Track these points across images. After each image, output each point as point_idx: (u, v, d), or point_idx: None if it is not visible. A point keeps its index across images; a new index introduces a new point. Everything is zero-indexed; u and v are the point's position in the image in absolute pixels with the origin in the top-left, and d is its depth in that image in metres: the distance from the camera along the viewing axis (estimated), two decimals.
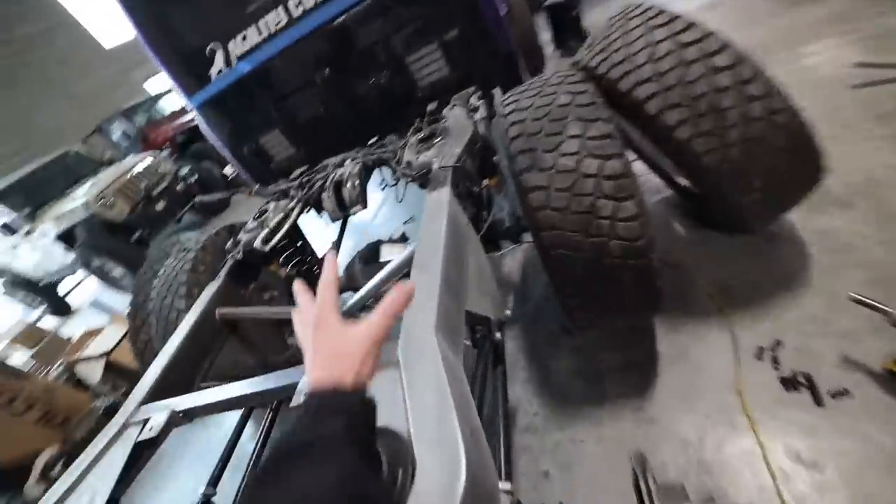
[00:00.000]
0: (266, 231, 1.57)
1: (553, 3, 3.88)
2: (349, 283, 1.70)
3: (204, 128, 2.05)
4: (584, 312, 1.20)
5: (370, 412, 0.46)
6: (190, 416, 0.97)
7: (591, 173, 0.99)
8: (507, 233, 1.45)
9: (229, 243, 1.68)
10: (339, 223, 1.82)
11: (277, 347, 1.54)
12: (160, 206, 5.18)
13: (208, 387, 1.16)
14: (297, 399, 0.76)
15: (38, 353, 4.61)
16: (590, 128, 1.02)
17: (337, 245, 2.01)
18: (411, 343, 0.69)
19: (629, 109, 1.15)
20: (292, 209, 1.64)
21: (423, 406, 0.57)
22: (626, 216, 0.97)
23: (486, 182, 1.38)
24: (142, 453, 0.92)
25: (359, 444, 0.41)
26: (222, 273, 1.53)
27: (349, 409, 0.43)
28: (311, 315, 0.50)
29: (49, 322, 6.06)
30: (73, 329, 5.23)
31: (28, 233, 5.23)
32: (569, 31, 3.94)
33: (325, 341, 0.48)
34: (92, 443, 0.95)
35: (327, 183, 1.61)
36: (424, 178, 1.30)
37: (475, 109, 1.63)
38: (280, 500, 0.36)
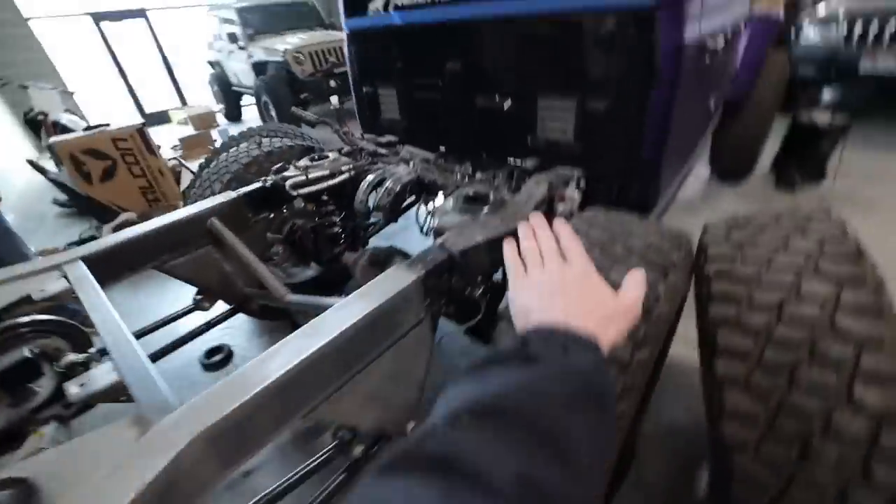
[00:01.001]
0: (301, 178, 1.53)
1: (808, 123, 3.03)
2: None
3: (345, 52, 2.04)
4: None
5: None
6: None
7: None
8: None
9: (277, 166, 1.68)
10: None
11: (230, 291, 1.54)
12: (333, 84, 5.63)
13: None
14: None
15: (187, 139, 5.53)
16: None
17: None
18: None
19: None
20: (336, 175, 1.56)
21: None
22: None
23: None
24: None
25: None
26: (243, 189, 1.54)
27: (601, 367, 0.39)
28: (577, 270, 0.50)
29: (219, 120, 7.22)
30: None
31: (241, 48, 6.15)
32: (805, 161, 3.08)
33: (595, 296, 0.47)
34: None
35: (373, 176, 1.48)
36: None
37: (562, 199, 1.32)
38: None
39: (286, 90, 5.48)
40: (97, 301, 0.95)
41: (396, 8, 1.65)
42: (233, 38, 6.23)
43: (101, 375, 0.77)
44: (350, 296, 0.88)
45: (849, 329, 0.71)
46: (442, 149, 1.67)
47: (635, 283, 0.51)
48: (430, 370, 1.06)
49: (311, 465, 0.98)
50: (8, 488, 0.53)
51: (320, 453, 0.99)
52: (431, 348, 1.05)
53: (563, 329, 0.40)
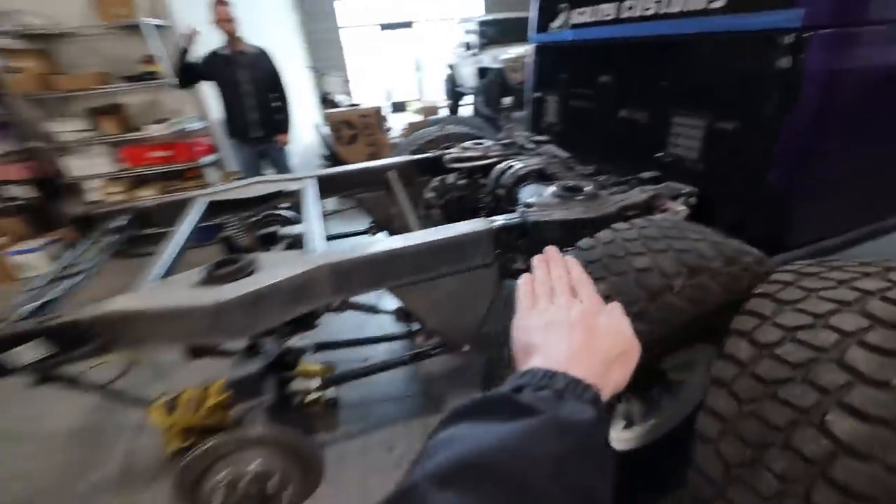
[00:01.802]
0: (457, 155, 1.97)
1: None
2: None
3: (526, 62, 2.40)
4: None
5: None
6: None
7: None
8: None
9: (445, 145, 2.17)
10: None
11: (389, 225, 2.09)
12: None
13: None
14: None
15: (412, 124, 6.79)
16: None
17: None
18: None
19: None
20: (485, 158, 1.94)
21: None
22: None
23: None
24: None
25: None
26: (415, 157, 2.07)
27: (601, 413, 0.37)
28: (585, 307, 0.48)
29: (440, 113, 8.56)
30: None
31: (473, 55, 7.16)
32: None
33: (603, 336, 0.45)
34: None
35: (509, 162, 1.80)
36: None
37: (663, 210, 1.39)
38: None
39: (497, 93, 6.19)
40: (313, 202, 1.57)
41: (573, 27, 1.91)
42: (468, 46, 7.34)
43: (296, 230, 1.36)
44: (444, 226, 1.25)
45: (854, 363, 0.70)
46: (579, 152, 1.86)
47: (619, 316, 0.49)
48: (490, 313, 1.34)
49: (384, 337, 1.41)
50: (241, 262, 1.09)
51: (395, 333, 1.42)
52: (495, 292, 1.33)
53: (561, 374, 0.39)
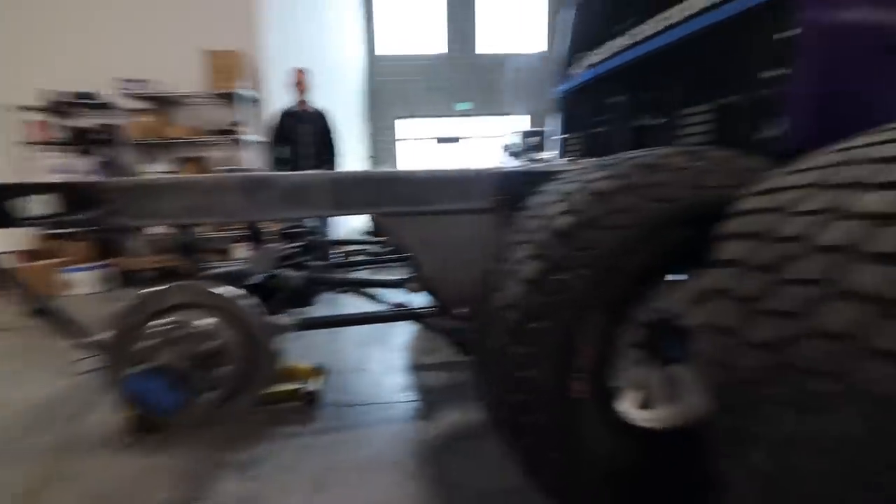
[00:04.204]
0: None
1: None
2: None
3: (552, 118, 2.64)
4: None
5: None
6: None
7: None
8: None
9: None
10: None
11: None
12: None
13: None
14: None
15: None
16: None
17: None
18: None
19: None
20: None
21: None
22: None
23: None
24: None
25: None
26: None
27: None
28: None
29: None
30: None
31: (512, 155, 7.93)
32: None
33: None
34: None
35: None
36: None
37: None
38: None
39: None
40: None
41: (589, 67, 2.14)
42: (511, 150, 8.24)
43: None
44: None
45: None
46: None
47: None
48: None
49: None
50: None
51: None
52: (490, 244, 1.29)
53: None
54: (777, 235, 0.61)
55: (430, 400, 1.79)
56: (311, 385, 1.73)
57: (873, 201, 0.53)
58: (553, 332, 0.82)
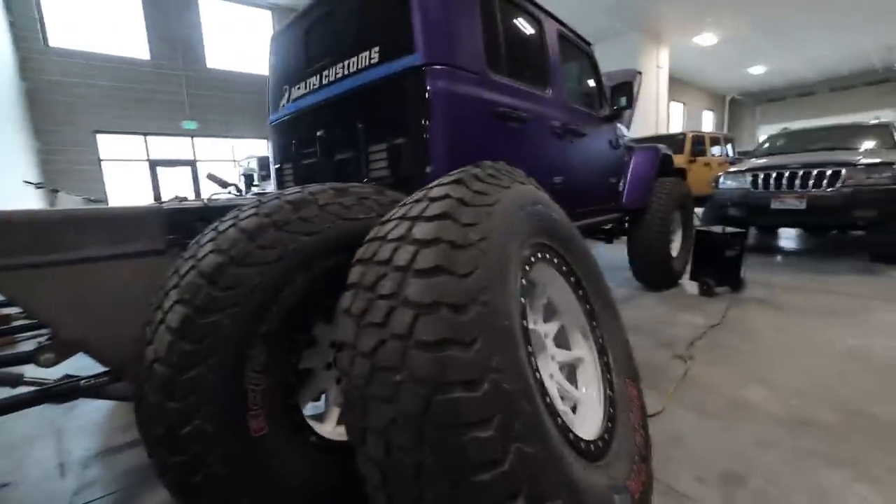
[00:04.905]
0: None
1: (707, 231, 3.31)
2: None
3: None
4: None
5: None
6: None
7: None
8: None
9: None
10: None
11: None
12: None
13: None
14: None
15: None
16: None
17: None
18: None
19: None
20: None
21: None
22: None
23: None
24: None
25: None
26: None
27: None
28: None
29: None
30: None
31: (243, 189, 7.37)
32: (715, 267, 3.24)
33: None
34: None
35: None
36: None
37: None
38: None
39: None
40: None
41: (293, 101, 2.20)
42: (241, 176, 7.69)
43: None
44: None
45: None
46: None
47: None
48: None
49: None
50: None
51: None
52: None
53: None
54: (377, 259, 0.76)
55: (130, 491, 1.41)
56: None
57: (419, 230, 0.73)
58: (208, 379, 0.78)
